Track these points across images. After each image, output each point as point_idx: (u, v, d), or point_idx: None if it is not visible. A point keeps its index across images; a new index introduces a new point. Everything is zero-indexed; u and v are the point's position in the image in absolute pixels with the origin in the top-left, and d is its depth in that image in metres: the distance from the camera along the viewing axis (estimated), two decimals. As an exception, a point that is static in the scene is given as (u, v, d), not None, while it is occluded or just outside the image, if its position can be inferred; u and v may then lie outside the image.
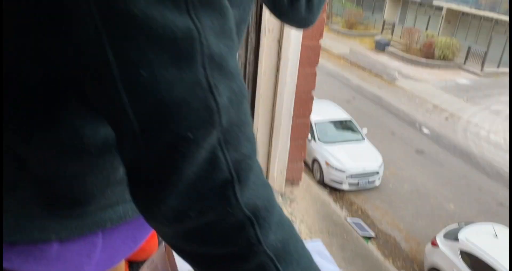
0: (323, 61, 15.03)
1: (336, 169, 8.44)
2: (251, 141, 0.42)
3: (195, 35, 0.37)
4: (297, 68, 1.79)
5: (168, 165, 0.38)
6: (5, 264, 0.54)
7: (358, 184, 8.50)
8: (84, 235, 0.58)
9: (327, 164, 8.55)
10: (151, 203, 0.40)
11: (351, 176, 8.42)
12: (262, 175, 0.43)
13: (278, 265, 0.41)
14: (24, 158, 0.48)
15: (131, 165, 0.41)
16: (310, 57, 1.82)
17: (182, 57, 0.37)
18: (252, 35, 1.52)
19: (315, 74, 1.90)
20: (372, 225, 7.44)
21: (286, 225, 0.44)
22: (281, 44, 1.71)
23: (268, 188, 0.43)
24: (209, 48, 0.37)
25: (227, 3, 0.40)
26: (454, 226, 6.80)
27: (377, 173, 8.67)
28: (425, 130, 11.81)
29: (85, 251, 0.59)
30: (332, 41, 17.93)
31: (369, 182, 8.58)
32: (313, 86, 1.90)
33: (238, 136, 0.40)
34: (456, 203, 8.49)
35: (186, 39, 0.36)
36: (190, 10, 0.36)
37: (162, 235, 0.43)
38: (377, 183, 8.74)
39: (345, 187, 8.47)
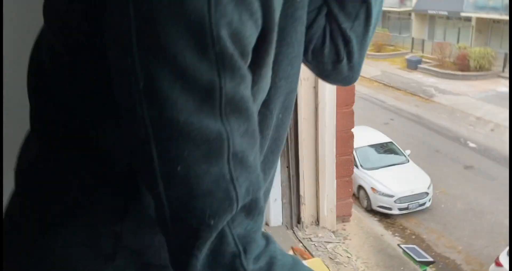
0: (355, 86, 14.97)
1: (383, 194, 8.30)
2: (259, 217, 0.48)
3: (224, 137, 0.43)
4: (335, 110, 1.88)
5: (190, 247, 0.45)
6: None
7: (408, 207, 8.30)
8: None
9: (373, 190, 8.42)
10: None
11: (400, 200, 8.24)
12: (263, 240, 0.49)
13: None
14: (119, 232, 0.57)
15: (167, 239, 0.48)
16: (346, 98, 1.91)
17: (212, 154, 0.43)
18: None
19: (352, 113, 1.98)
20: (428, 249, 7.19)
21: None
22: (317, 90, 1.81)
23: (269, 251, 0.49)
24: (234, 147, 0.44)
25: (253, 109, 0.47)
26: (517, 242, 6.49)
27: (427, 194, 8.45)
28: (472, 145, 11.46)
29: None
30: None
31: (419, 204, 8.37)
32: (352, 125, 1.97)
33: (245, 217, 0.47)
34: (515, 218, 8.11)
35: (217, 140, 0.43)
36: (222, 116, 0.43)
37: None
38: (428, 204, 8.50)
39: (394, 211, 8.29)
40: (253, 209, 0.47)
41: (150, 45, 0.40)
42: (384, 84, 16.71)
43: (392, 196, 8.24)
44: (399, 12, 23.68)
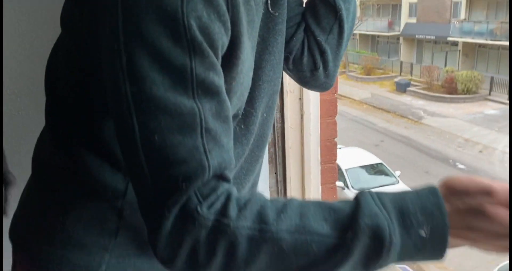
0: (345, 108, 15.11)
1: (373, 213, 8.32)
2: (225, 182, 0.51)
3: (197, 112, 0.49)
4: (319, 120, 2.01)
5: (161, 208, 0.49)
6: None
7: (398, 226, 8.32)
8: None
9: (364, 209, 8.45)
10: (153, 239, 0.51)
11: (390, 219, 8.27)
12: (224, 188, 0.51)
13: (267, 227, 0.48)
14: (121, 208, 0.64)
15: (143, 207, 0.52)
16: (329, 109, 2.05)
17: (186, 127, 0.49)
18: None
19: (335, 123, 2.11)
20: (419, 270, 7.21)
21: (254, 206, 0.50)
22: (302, 101, 1.94)
23: (226, 192, 0.51)
24: (207, 124, 0.50)
25: (224, 96, 0.52)
26: (506, 262, 6.54)
27: (417, 213, 8.49)
28: (460, 166, 11.61)
29: None
30: (352, 88, 18.20)
31: (409, 223, 8.39)
32: (335, 134, 2.10)
33: (211, 179, 0.50)
34: (504, 237, 8.16)
35: (190, 114, 0.49)
36: (195, 96, 0.49)
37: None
38: (418, 223, 8.53)
39: (385, 231, 8.30)
40: (220, 178, 0.51)
41: (132, 31, 0.48)
42: (374, 107, 16.93)
43: (382, 216, 8.27)
44: (387, 37, 24.27)
